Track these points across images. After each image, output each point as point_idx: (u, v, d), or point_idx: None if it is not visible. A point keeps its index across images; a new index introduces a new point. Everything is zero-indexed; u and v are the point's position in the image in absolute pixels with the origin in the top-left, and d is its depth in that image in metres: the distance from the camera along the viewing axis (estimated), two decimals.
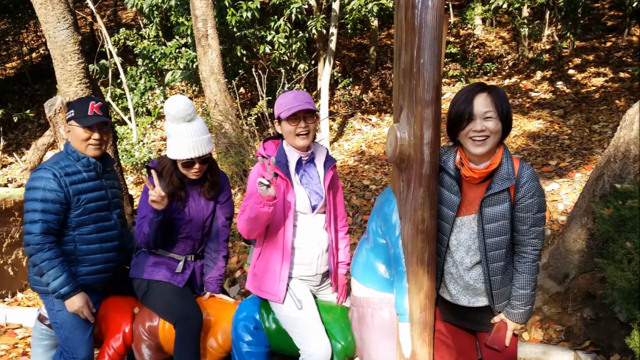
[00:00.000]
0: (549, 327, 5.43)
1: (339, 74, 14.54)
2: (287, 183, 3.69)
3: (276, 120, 3.80)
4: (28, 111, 13.03)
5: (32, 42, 20.74)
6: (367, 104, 14.33)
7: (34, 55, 20.18)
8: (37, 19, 6.62)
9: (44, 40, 18.42)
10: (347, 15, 11.92)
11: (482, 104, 3.04)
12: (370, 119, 13.71)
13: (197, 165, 3.96)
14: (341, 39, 16.38)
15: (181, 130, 3.90)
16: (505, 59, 15.12)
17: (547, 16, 14.59)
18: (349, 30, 13.04)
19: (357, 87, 15.03)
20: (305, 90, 12.38)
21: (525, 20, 14.35)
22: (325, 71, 12.76)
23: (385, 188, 3.62)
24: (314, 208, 3.80)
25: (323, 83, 12.73)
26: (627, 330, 4.54)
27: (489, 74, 14.72)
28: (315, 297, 3.98)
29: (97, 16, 13.19)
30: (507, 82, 14.11)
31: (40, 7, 6.19)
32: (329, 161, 3.93)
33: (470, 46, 15.98)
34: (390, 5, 11.47)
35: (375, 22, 14.56)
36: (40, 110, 15.56)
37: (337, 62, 15.64)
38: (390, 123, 12.41)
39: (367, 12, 11.33)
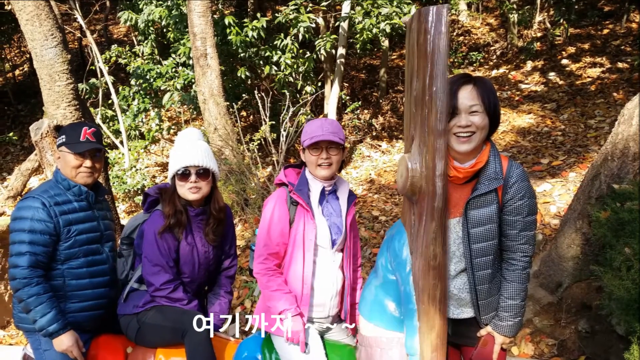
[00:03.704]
0: (540, 340, 5.41)
1: (347, 97, 14.59)
2: (309, 213, 3.74)
3: (301, 148, 3.87)
4: (12, 134, 13.08)
5: (16, 58, 20.82)
6: (377, 129, 14.38)
7: (17, 72, 20.24)
8: (22, 33, 6.63)
9: (28, 55, 18.48)
10: (357, 35, 12.01)
11: (467, 97, 3.07)
12: (380, 145, 13.75)
13: (193, 177, 3.98)
14: (350, 60, 16.46)
15: (183, 145, 4.03)
16: (492, 48, 15.10)
17: (538, 1, 14.52)
18: (358, 51, 13.12)
19: (366, 111, 15.08)
20: (311, 114, 12.45)
21: (515, 6, 14.25)
22: (332, 94, 12.85)
23: (395, 219, 3.67)
24: (333, 243, 3.84)
25: (330, 106, 12.82)
26: (626, 344, 4.50)
27: (474, 64, 14.66)
28: (322, 337, 4.00)
29: (86, 31, 13.32)
30: (494, 72, 14.05)
31: (26, 23, 6.19)
32: (352, 196, 4.00)
33: (455, 34, 15.94)
34: (403, 24, 11.57)
35: (386, 42, 14.66)
36: (24, 133, 15.60)
37: (345, 84, 15.72)
38: (401, 149, 12.41)
39: (378, 32, 11.43)
